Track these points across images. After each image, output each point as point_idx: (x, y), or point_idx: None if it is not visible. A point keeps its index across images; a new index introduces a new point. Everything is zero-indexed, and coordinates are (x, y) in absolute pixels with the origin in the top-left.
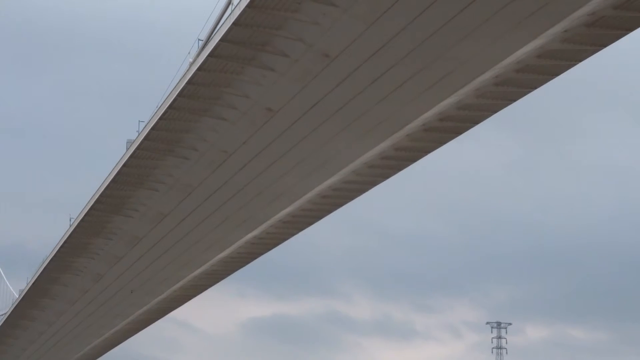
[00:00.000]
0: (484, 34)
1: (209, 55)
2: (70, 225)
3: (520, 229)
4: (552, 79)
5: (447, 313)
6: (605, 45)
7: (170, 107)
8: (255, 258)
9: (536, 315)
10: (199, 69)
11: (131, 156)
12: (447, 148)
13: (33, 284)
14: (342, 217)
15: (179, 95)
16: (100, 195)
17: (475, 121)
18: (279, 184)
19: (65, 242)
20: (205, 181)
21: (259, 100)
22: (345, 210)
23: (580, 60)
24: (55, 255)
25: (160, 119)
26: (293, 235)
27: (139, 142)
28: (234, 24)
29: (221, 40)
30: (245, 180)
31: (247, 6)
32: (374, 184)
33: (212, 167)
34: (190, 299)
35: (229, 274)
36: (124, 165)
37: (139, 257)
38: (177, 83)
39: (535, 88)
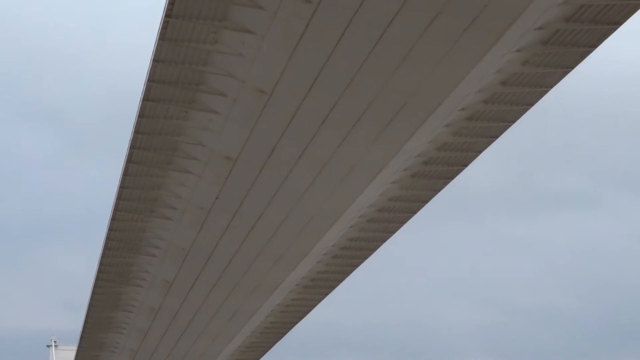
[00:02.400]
0: (419, 58)
1: (144, 99)
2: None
3: None
4: (527, 108)
5: None
6: (571, 67)
7: (128, 161)
8: (291, 327)
9: None
10: (140, 115)
11: (113, 219)
12: (571, 218)
13: None
14: (470, 293)
15: (132, 147)
16: (101, 264)
17: (464, 163)
18: (273, 245)
19: (87, 316)
20: (196, 244)
21: (215, 148)
22: (472, 285)
23: (551, 86)
24: (84, 332)
25: (124, 174)
26: (320, 300)
27: (114, 202)
28: (154, 60)
29: (149, 80)
30: (235, 242)
31: (160, 39)
32: (382, 240)
33: (196, 227)
34: None
35: (271, 345)
36: (110, 229)
37: (165, 330)
38: (130, 135)
39: (513, 122)
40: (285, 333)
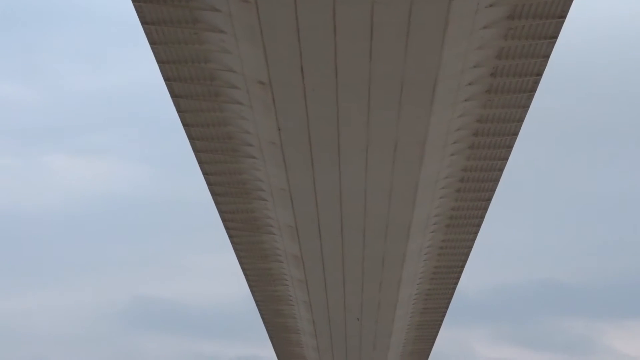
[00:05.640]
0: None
1: (143, 22)
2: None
3: None
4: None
5: None
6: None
7: (172, 95)
8: (460, 271)
9: None
10: (151, 42)
11: (201, 162)
12: None
13: (264, 320)
14: None
15: (166, 79)
16: (220, 212)
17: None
18: (372, 180)
19: (245, 270)
20: (292, 184)
21: (245, 73)
22: None
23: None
24: (253, 288)
25: (179, 111)
26: (473, 239)
27: (191, 144)
28: None
29: (135, 0)
30: (330, 179)
31: None
32: (499, 168)
33: (281, 165)
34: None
35: (451, 292)
36: (205, 174)
37: (323, 280)
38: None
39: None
40: (458, 277)
